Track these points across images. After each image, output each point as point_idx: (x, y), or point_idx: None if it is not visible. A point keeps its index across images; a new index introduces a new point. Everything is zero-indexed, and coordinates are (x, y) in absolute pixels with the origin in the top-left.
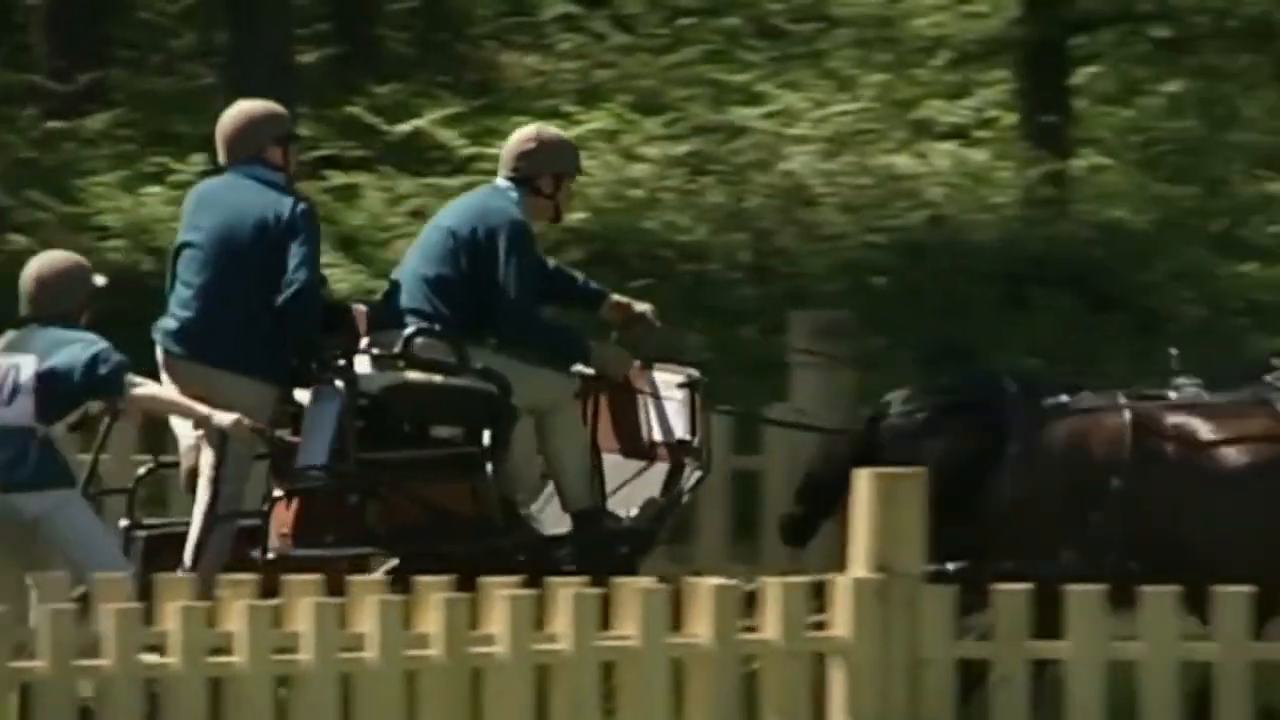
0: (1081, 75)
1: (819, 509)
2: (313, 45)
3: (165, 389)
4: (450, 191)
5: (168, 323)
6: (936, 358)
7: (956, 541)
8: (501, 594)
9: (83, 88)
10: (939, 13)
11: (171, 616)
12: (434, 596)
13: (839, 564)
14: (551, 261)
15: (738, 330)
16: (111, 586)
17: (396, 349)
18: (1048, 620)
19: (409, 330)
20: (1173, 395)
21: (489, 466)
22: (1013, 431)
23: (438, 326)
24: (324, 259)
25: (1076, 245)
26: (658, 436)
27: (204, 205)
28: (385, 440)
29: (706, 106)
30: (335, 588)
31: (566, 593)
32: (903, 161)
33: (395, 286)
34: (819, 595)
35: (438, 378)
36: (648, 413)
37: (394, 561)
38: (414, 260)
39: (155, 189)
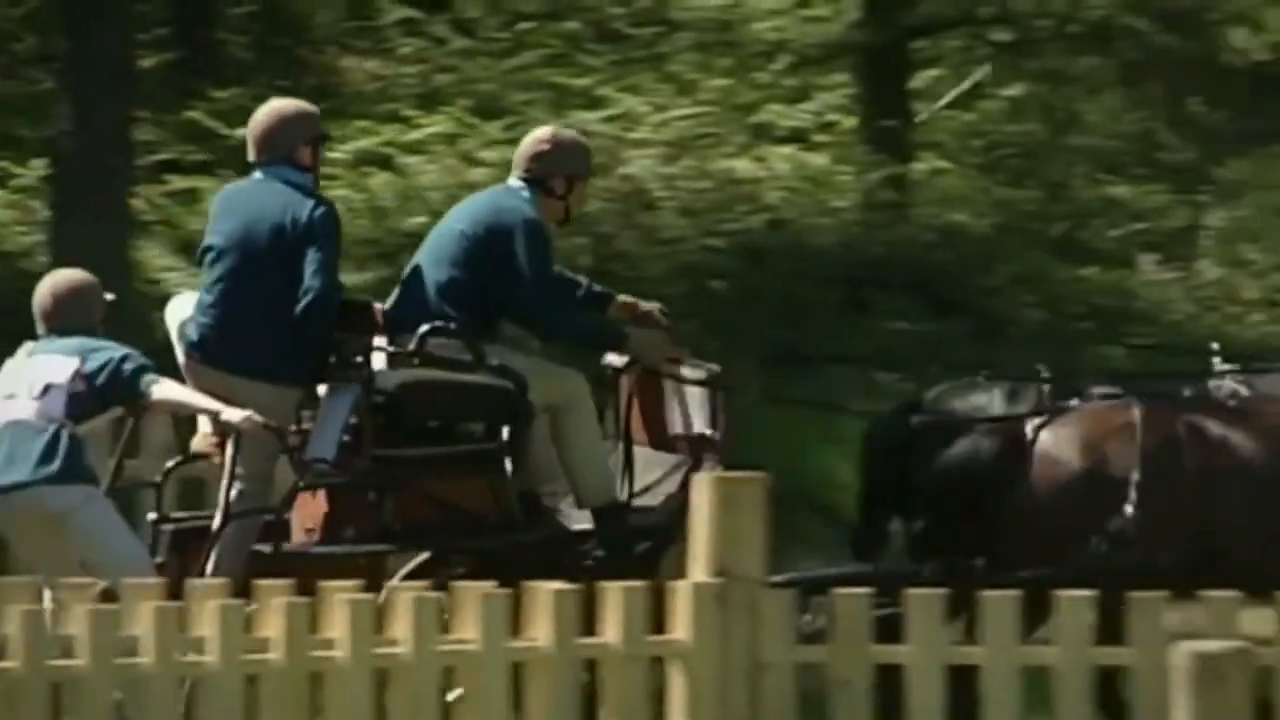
0: (922, 79)
1: (882, 513)
2: (152, 50)
3: (183, 388)
4: None
5: (191, 327)
6: (777, 361)
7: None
8: (341, 598)
9: None
10: (779, 17)
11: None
12: (274, 601)
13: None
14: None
15: None
16: (140, 588)
17: (411, 346)
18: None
19: (424, 328)
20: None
21: (507, 463)
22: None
23: (452, 325)
24: (165, 263)
25: (917, 249)
26: (680, 431)
27: (227, 209)
28: (401, 437)
29: (546, 110)
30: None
31: (406, 597)
32: (743, 165)
33: (406, 289)
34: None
35: (453, 375)
36: (673, 407)
37: (423, 557)
38: (424, 263)
39: None
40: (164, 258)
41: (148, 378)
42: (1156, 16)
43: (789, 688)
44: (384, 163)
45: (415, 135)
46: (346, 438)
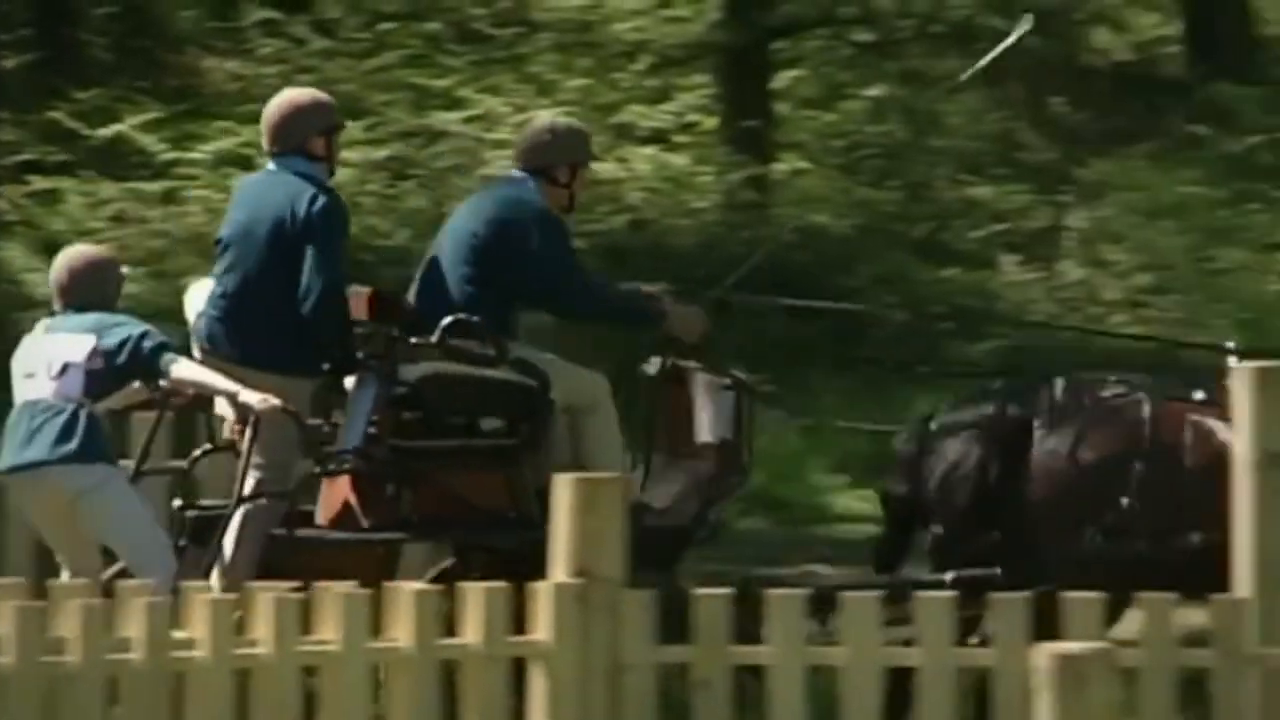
0: (783, 79)
1: (905, 525)
2: (13, 50)
3: (202, 368)
4: (149, 196)
5: (200, 320)
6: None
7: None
8: (201, 599)
9: None
10: (640, 17)
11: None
12: (134, 601)
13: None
14: None
15: None
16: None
17: (434, 339)
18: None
19: (446, 320)
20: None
21: (525, 460)
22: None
23: (475, 319)
24: (26, 264)
25: (778, 249)
26: (705, 437)
27: (238, 200)
28: (420, 429)
29: (407, 111)
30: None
31: (266, 597)
32: (603, 166)
33: (424, 285)
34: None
35: (475, 369)
36: (701, 414)
37: (449, 562)
38: (439, 262)
39: None
40: (25, 258)
41: (167, 356)
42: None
43: (649, 688)
44: (245, 163)
45: None
46: (372, 429)
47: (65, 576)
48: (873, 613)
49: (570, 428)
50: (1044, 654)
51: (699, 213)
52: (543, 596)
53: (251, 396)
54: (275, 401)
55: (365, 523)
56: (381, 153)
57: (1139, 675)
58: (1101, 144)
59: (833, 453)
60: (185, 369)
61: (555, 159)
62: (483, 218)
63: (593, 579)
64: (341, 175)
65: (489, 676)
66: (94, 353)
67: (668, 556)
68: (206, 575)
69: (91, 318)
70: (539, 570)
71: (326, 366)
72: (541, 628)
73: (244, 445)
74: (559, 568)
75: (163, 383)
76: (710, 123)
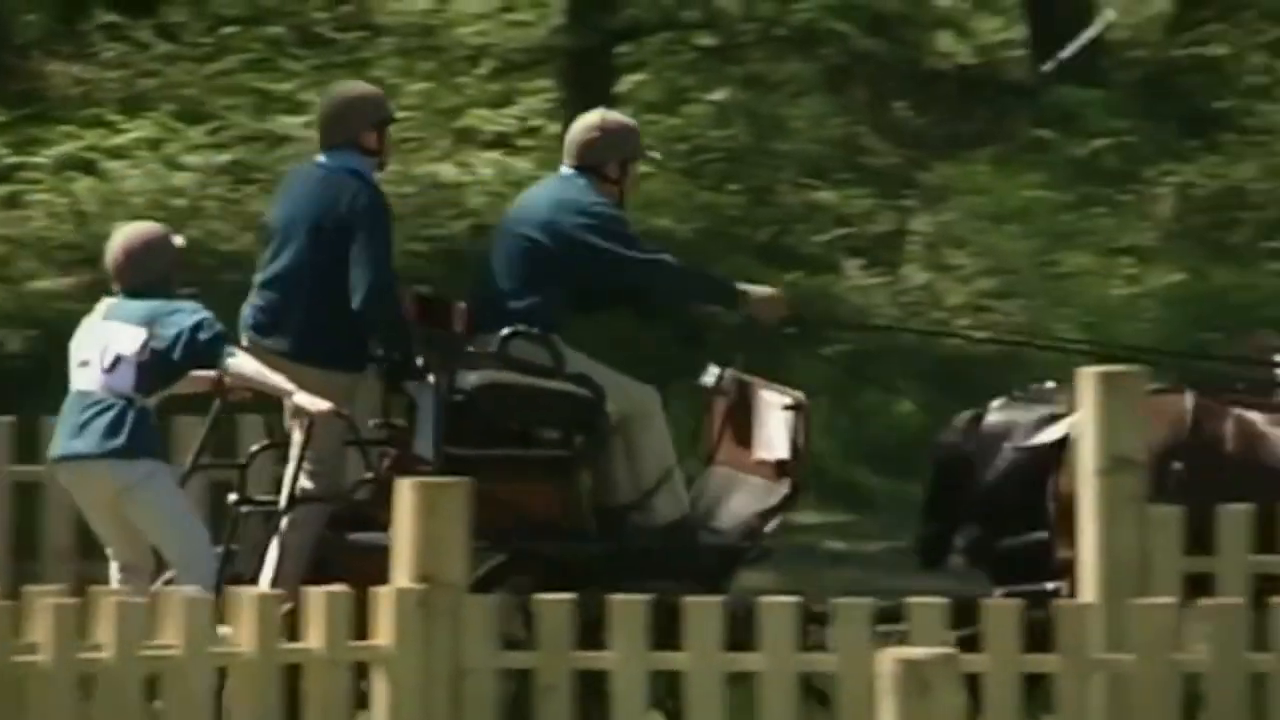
0: (626, 83)
1: (948, 520)
2: None
3: (258, 365)
4: None
5: (246, 308)
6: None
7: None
8: (44, 603)
9: None
10: (482, 21)
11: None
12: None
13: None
14: None
15: None
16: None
17: (493, 349)
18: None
19: (505, 330)
20: None
21: (579, 471)
22: None
23: (535, 330)
24: None
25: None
26: (764, 454)
27: (283, 191)
28: (476, 437)
29: (249, 115)
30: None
31: (109, 602)
32: (446, 170)
33: (480, 291)
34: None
35: (533, 379)
36: (760, 430)
37: (498, 559)
38: (495, 266)
39: None
40: None
41: (225, 349)
42: (862, 21)
43: (490, 693)
44: (87, 167)
45: (119, 140)
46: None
47: (114, 569)
48: (715, 619)
49: (622, 436)
50: (888, 659)
51: None
52: (384, 601)
53: (305, 399)
54: (328, 405)
55: None
56: (224, 157)
57: (984, 680)
58: (945, 148)
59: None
60: (242, 363)
61: (605, 155)
62: (536, 221)
63: (435, 584)
64: (183, 179)
65: (331, 681)
66: (145, 346)
67: (720, 574)
68: (255, 577)
69: (147, 306)
70: (594, 581)
71: (385, 367)
72: (383, 632)
73: (295, 446)
74: (401, 572)
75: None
76: (553, 127)
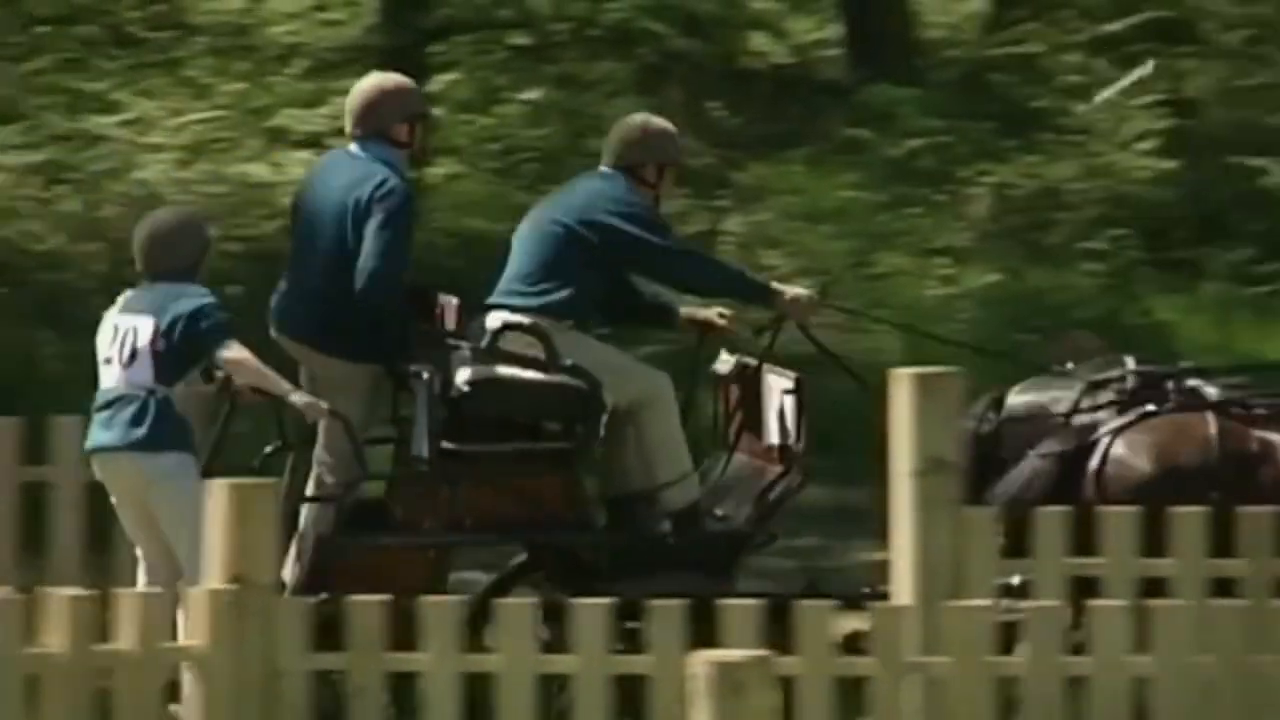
0: (439, 83)
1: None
2: None
3: (254, 361)
4: None
5: (274, 296)
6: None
7: None
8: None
9: None
10: (295, 21)
11: None
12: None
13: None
14: None
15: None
16: None
17: (484, 343)
18: None
19: (496, 324)
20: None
21: (579, 462)
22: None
23: (526, 320)
24: None
25: (435, 255)
26: (773, 440)
27: (312, 178)
28: (472, 432)
29: (62, 115)
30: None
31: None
32: (258, 170)
33: (502, 279)
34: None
35: (525, 372)
36: (770, 416)
37: (521, 558)
38: (523, 254)
39: None
40: None
41: (222, 339)
42: (676, 20)
43: (303, 695)
44: None
45: None
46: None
47: (140, 570)
48: (527, 619)
49: (632, 424)
50: (701, 661)
51: None
52: (196, 603)
53: (301, 398)
54: (323, 405)
55: (425, 525)
56: (36, 156)
57: (797, 683)
58: (760, 148)
59: None
60: (237, 354)
61: (644, 157)
62: (569, 210)
63: (247, 585)
64: None
65: (144, 683)
66: (157, 335)
67: (726, 561)
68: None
69: (160, 293)
70: (603, 573)
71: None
72: (196, 634)
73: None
74: (213, 574)
75: (219, 371)
76: None
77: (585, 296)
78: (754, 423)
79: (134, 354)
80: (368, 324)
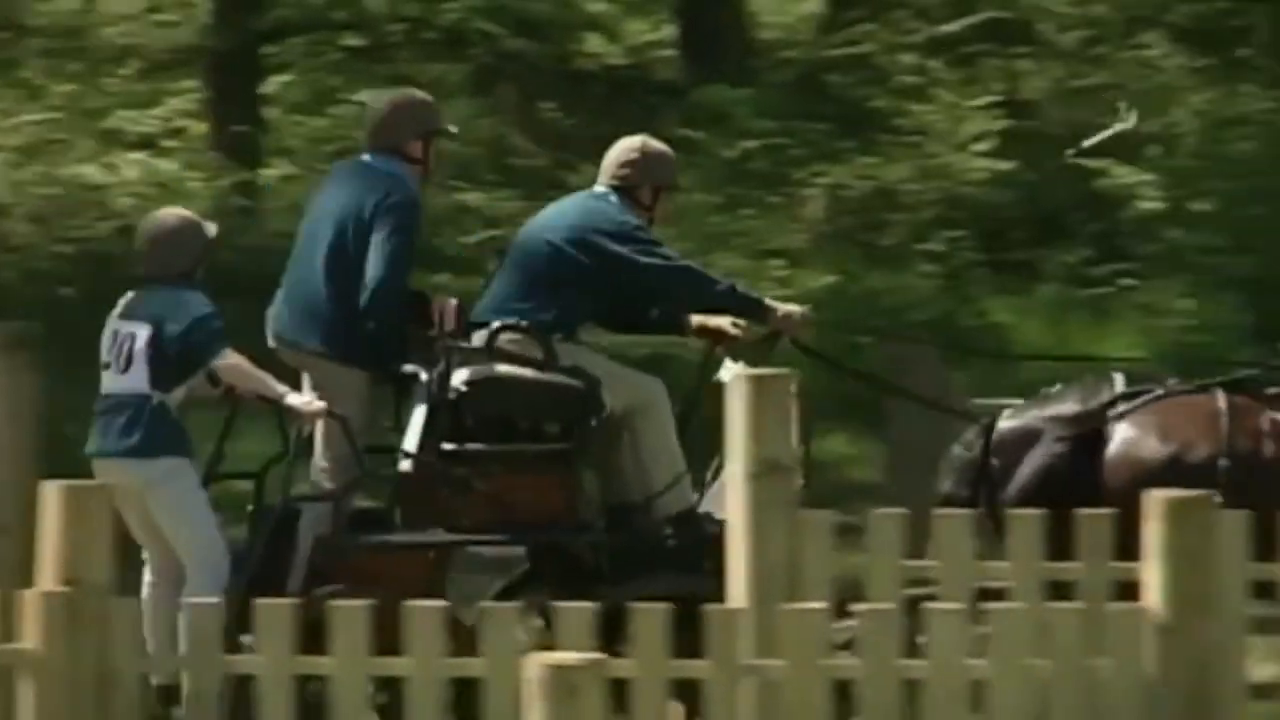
0: (273, 84)
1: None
2: None
3: (251, 367)
4: None
5: (274, 305)
6: None
7: None
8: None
9: None
10: (129, 22)
11: None
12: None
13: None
14: None
15: None
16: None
17: (481, 343)
18: None
19: (494, 325)
20: None
21: (578, 463)
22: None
23: (524, 323)
24: None
25: (270, 257)
26: None
27: (323, 187)
28: (470, 433)
29: None
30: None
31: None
32: (91, 171)
33: (490, 290)
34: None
35: (523, 372)
36: None
37: (523, 568)
38: (507, 266)
39: None
40: None
41: (217, 347)
42: (510, 22)
43: (136, 698)
44: None
45: None
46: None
47: (146, 577)
48: (362, 621)
49: (627, 430)
50: (535, 664)
51: None
52: (29, 605)
53: (297, 400)
54: (320, 405)
55: (423, 526)
56: None
57: (632, 685)
58: (594, 149)
59: None
60: (233, 361)
61: (640, 179)
62: (559, 228)
63: (81, 587)
64: None
65: None
66: (152, 342)
67: (723, 564)
68: (267, 578)
69: (159, 299)
70: (607, 577)
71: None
72: (29, 636)
73: (316, 445)
74: (46, 576)
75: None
76: (200, 128)
77: (574, 313)
78: None
79: (131, 359)
80: (367, 330)
